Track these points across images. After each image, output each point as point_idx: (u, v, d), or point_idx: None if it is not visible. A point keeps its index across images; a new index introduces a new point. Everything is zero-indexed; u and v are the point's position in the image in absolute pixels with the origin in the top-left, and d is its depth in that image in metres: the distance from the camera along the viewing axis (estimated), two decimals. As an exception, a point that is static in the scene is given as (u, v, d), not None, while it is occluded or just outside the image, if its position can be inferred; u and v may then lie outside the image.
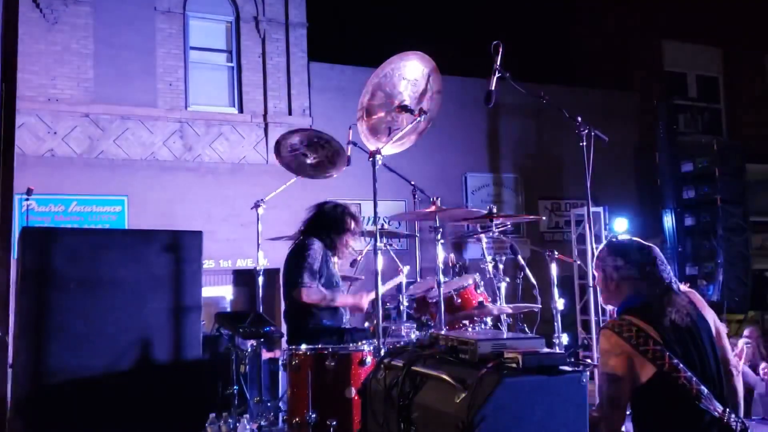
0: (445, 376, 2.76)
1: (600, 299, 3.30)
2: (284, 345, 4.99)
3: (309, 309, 4.99)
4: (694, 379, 2.80)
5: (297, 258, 5.03)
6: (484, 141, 13.73)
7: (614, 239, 3.42)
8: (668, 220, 12.96)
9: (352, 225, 5.26)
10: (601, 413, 2.94)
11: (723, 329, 3.18)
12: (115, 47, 11.27)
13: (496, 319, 5.01)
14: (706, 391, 2.80)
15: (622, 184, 13.93)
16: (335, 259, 5.29)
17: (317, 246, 5.06)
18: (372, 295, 4.78)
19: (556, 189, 13.78)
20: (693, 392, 2.78)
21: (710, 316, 3.09)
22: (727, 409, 2.83)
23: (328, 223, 5.20)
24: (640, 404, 2.93)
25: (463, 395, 2.58)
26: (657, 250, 3.19)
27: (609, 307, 3.28)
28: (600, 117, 10.53)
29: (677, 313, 2.96)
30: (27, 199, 8.47)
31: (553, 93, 5.69)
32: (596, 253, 3.30)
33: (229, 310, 11.44)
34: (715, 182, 12.50)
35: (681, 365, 2.80)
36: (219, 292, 11.76)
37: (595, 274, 3.28)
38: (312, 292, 4.89)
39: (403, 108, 4.48)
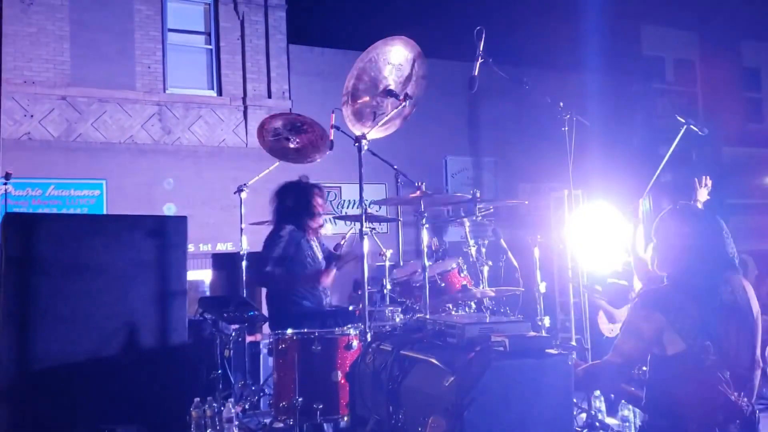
0: (433, 360, 2.80)
1: (655, 266, 3.14)
2: (266, 329, 5.02)
3: (289, 293, 5.03)
4: (720, 362, 2.75)
5: (263, 248, 5.13)
6: (464, 124, 13.75)
7: (681, 204, 3.20)
8: (645, 203, 13.09)
9: (319, 201, 5.34)
10: (610, 363, 2.95)
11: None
12: (92, 29, 11.14)
13: (480, 303, 5.05)
14: (728, 374, 2.76)
15: (599, 167, 14.00)
16: (314, 242, 5.32)
17: (284, 233, 5.11)
18: (332, 273, 5.13)
19: (535, 172, 13.84)
20: (716, 375, 2.74)
21: (755, 306, 2.95)
22: (742, 393, 2.78)
23: (294, 207, 5.25)
24: (660, 373, 2.88)
25: (452, 379, 2.62)
26: (722, 222, 3.02)
27: (663, 274, 3.11)
28: (579, 101, 10.58)
29: (731, 293, 2.87)
30: (5, 184, 8.38)
31: (534, 77, 5.69)
32: (658, 218, 3.12)
33: (208, 294, 11.39)
34: (691, 165, 12.64)
35: (712, 348, 2.75)
36: (198, 276, 11.71)
37: (654, 239, 3.12)
38: (274, 280, 5.04)
39: (388, 93, 4.48)
